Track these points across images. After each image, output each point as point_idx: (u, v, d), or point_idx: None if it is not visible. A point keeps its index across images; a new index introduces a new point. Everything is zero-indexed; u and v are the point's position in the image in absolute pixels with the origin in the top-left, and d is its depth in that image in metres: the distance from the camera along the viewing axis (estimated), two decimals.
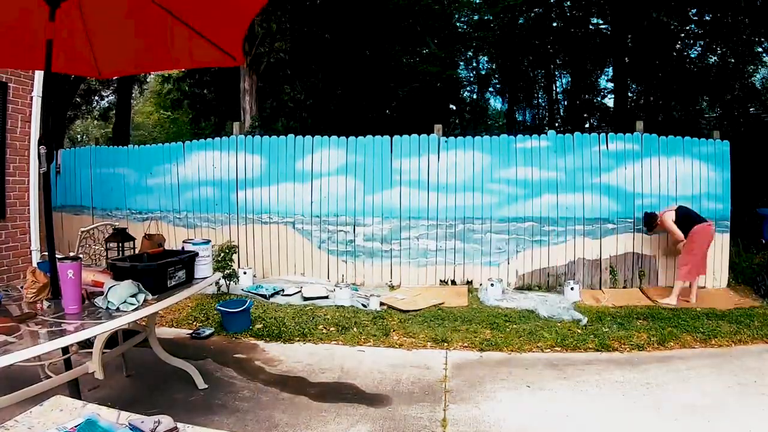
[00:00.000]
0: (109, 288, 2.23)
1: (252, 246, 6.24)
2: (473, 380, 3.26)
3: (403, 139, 6.02)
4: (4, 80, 4.62)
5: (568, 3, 12.12)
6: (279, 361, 3.61)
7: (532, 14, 11.86)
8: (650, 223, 5.38)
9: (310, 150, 6.14)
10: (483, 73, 14.61)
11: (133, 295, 2.25)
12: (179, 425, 1.20)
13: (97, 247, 4.06)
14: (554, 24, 12.42)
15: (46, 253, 2.33)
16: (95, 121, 21.80)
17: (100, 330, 2.04)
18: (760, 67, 11.68)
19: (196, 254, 2.84)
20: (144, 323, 2.98)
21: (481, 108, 14.78)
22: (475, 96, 15.03)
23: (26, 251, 4.92)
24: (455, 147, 5.97)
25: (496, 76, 14.71)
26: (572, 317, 4.46)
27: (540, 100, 15.62)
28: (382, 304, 5.00)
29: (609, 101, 14.22)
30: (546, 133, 6.10)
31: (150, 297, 2.35)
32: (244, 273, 5.66)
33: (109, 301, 2.19)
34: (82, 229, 4.07)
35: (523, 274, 5.88)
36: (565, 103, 14.90)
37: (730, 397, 2.93)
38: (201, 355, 3.66)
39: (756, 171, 8.04)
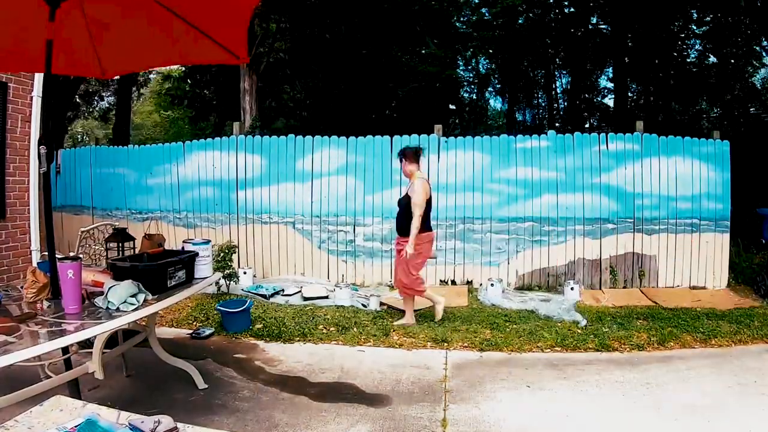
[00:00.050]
0: (109, 288, 2.23)
1: (252, 246, 6.24)
2: (473, 380, 3.26)
3: (403, 139, 6.02)
4: (4, 80, 4.62)
5: (567, 2, 12.12)
6: (279, 361, 3.61)
7: (532, 14, 11.86)
8: None
9: (310, 150, 6.14)
10: (483, 73, 14.61)
11: (133, 295, 2.25)
12: (179, 425, 1.20)
13: (97, 247, 4.06)
14: (554, 24, 12.42)
15: (46, 253, 2.33)
16: (95, 122, 21.81)
17: (100, 330, 2.04)
18: (760, 67, 11.67)
19: (196, 254, 2.84)
20: (144, 323, 2.98)
21: (481, 108, 14.78)
22: (474, 96, 15.03)
23: (26, 251, 4.92)
24: (455, 147, 5.97)
25: (496, 76, 14.72)
26: (572, 318, 4.46)
27: (540, 100, 15.63)
28: (382, 304, 5.00)
29: (609, 101, 14.25)
30: (546, 133, 6.10)
31: (150, 297, 2.35)
32: (244, 273, 5.66)
33: (109, 301, 2.19)
34: (82, 229, 4.07)
35: (523, 274, 5.88)
36: (565, 103, 14.90)
37: (730, 397, 2.93)
38: (201, 355, 3.65)
39: (756, 171, 8.05)
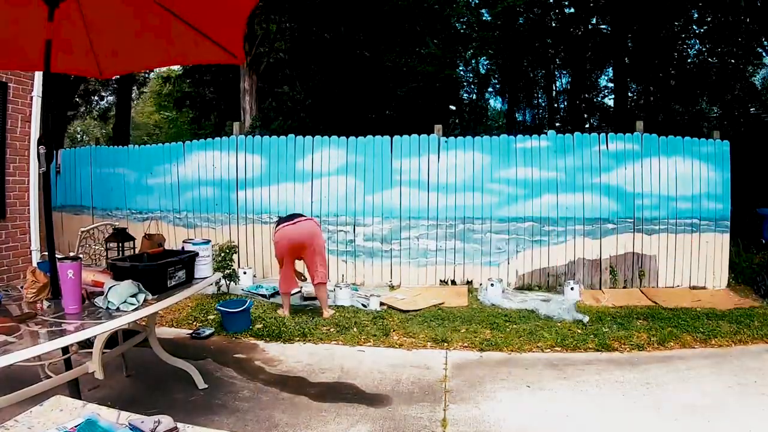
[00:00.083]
0: (110, 288, 2.23)
1: (252, 246, 6.24)
2: (473, 380, 3.26)
3: (403, 139, 6.02)
4: (4, 80, 4.62)
5: (567, 2, 12.12)
6: (279, 361, 3.61)
7: (532, 15, 11.86)
8: None
9: (310, 150, 6.14)
10: (483, 73, 14.61)
11: (133, 295, 2.25)
12: (179, 425, 1.20)
13: (97, 247, 4.06)
14: (554, 24, 12.42)
15: (46, 253, 2.33)
16: (95, 121, 21.81)
17: (100, 330, 2.04)
18: (760, 67, 11.68)
19: (196, 254, 2.84)
20: (144, 323, 2.98)
21: (481, 108, 14.78)
22: (474, 96, 15.03)
23: (26, 251, 4.92)
24: (455, 147, 5.97)
25: (496, 76, 14.72)
26: (573, 317, 4.46)
27: (540, 100, 15.63)
28: (382, 304, 5.00)
29: (609, 101, 14.24)
30: (546, 133, 6.10)
31: (150, 297, 2.35)
32: (244, 273, 5.66)
33: (109, 301, 2.19)
34: (82, 229, 4.07)
35: (523, 274, 5.88)
36: (565, 103, 14.90)
37: (730, 397, 2.93)
38: (201, 355, 3.65)
39: (756, 171, 8.05)
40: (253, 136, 6.68)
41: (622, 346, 3.85)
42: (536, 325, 4.29)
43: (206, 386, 3.05)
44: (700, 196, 5.70)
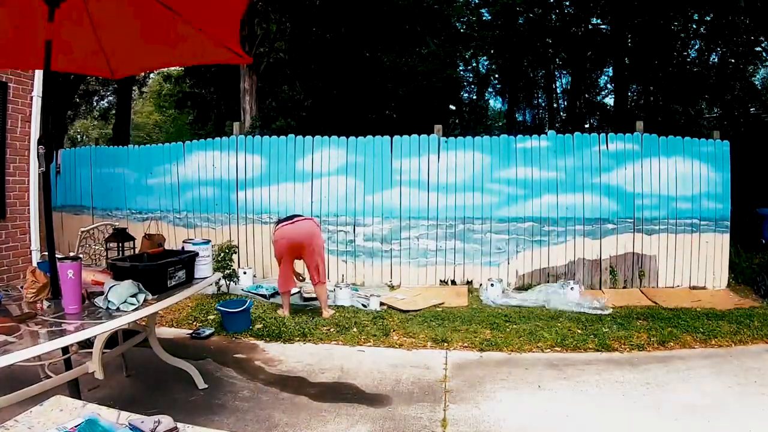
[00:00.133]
0: (110, 288, 2.23)
1: (252, 246, 6.24)
2: (473, 380, 3.26)
3: (403, 140, 6.02)
4: (4, 80, 4.62)
5: (567, 2, 12.11)
6: (279, 361, 3.61)
7: (532, 14, 11.85)
8: None
9: (310, 150, 6.14)
10: (483, 73, 14.61)
11: (134, 295, 2.25)
12: (179, 425, 1.20)
13: (97, 247, 4.06)
14: (554, 24, 12.42)
15: (46, 253, 2.33)
16: (95, 122, 21.82)
17: (100, 330, 2.04)
18: (760, 67, 11.68)
19: (196, 254, 2.84)
20: (144, 323, 2.98)
21: (481, 108, 14.77)
22: (474, 96, 15.02)
23: (26, 251, 4.92)
24: (455, 147, 5.97)
25: (496, 76, 14.71)
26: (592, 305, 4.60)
27: (540, 100, 15.62)
28: (382, 304, 5.00)
29: (609, 101, 14.24)
30: (546, 133, 6.10)
31: (150, 297, 2.35)
32: (244, 273, 5.66)
33: (109, 301, 2.19)
34: (82, 229, 4.07)
35: (523, 274, 5.88)
36: (565, 103, 14.90)
37: (730, 397, 2.93)
38: (201, 355, 3.65)
39: (756, 171, 8.05)
40: (253, 136, 6.68)
41: (622, 346, 3.85)
42: (536, 325, 4.29)
43: (206, 386, 3.05)
44: (700, 196, 5.70)
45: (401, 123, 8.67)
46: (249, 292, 5.32)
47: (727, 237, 5.71)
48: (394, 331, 4.21)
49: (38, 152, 2.18)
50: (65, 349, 2.52)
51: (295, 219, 4.59)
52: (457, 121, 13.96)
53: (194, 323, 4.39)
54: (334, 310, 4.72)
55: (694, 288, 5.64)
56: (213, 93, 14.33)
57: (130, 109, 17.61)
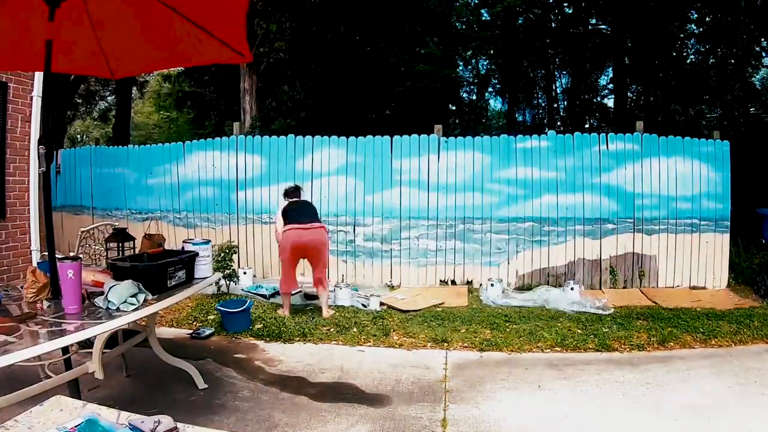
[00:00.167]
0: (110, 288, 2.23)
1: (252, 246, 6.24)
2: (473, 380, 3.26)
3: (403, 140, 6.03)
4: (4, 80, 4.62)
5: (567, 3, 12.12)
6: (279, 361, 3.61)
7: (532, 15, 11.86)
8: None
9: (310, 150, 6.14)
10: (483, 73, 14.61)
11: (134, 295, 2.25)
12: (179, 425, 1.20)
13: (97, 247, 4.06)
14: (554, 24, 12.42)
15: (46, 253, 2.33)
16: (95, 122, 21.81)
17: (100, 330, 2.04)
18: (760, 67, 11.67)
19: (196, 254, 2.84)
20: (144, 323, 2.98)
21: (481, 108, 14.78)
22: (474, 96, 15.02)
23: (26, 251, 4.92)
24: (455, 147, 5.97)
25: (496, 76, 14.71)
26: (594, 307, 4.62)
27: (540, 100, 15.61)
28: (382, 304, 5.00)
29: (609, 101, 14.24)
30: (546, 133, 6.11)
31: (150, 297, 2.35)
32: (244, 273, 5.66)
33: (109, 301, 2.19)
34: (82, 229, 4.07)
35: (523, 274, 5.88)
36: (565, 103, 14.89)
37: (730, 397, 2.93)
38: (201, 355, 3.65)
39: (756, 171, 8.05)
40: (253, 136, 6.68)
41: (622, 346, 3.85)
42: (536, 325, 4.29)
43: (206, 386, 3.05)
44: (700, 196, 5.70)
45: (401, 123, 8.66)
46: (249, 292, 5.32)
47: (727, 237, 5.71)
48: (394, 331, 4.21)
49: (38, 152, 2.18)
50: (65, 349, 2.52)
51: (309, 224, 4.52)
52: (457, 121, 13.96)
53: (194, 323, 4.39)
54: (334, 310, 4.72)
55: (694, 288, 5.64)
56: (213, 93, 14.33)
57: (130, 109, 17.60)
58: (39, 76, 4.87)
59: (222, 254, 5.13)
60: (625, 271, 5.78)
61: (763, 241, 6.59)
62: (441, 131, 6.02)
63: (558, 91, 15.15)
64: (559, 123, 13.91)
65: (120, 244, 2.99)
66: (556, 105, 15.22)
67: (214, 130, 12.79)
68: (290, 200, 4.78)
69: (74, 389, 2.48)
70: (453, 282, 5.93)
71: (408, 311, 4.78)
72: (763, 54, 10.83)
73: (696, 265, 5.70)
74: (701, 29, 11.17)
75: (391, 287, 5.89)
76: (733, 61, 11.04)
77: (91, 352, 2.47)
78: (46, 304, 2.22)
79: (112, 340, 2.76)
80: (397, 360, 3.64)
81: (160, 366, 3.05)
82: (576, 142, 5.84)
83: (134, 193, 6.78)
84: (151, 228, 6.35)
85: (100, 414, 1.23)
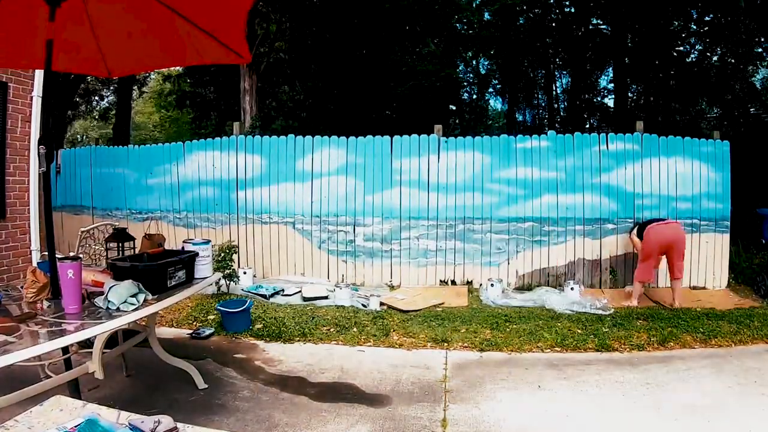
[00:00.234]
0: (110, 288, 2.23)
1: (252, 246, 6.24)
2: (473, 380, 3.26)
3: (403, 140, 6.03)
4: (4, 80, 4.62)
5: (567, 2, 12.12)
6: (279, 361, 3.61)
7: (532, 14, 11.86)
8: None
9: (310, 150, 6.14)
10: (483, 73, 14.61)
11: (134, 295, 2.25)
12: (179, 425, 1.20)
13: (97, 247, 4.06)
14: (554, 24, 12.42)
15: (46, 253, 2.33)
16: (95, 122, 21.81)
17: (100, 330, 2.04)
18: (760, 67, 11.67)
19: (196, 254, 2.84)
20: (144, 323, 2.98)
21: (481, 108, 14.78)
22: (474, 96, 15.03)
23: (26, 251, 4.92)
24: (455, 147, 5.97)
25: (496, 76, 14.72)
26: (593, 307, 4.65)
27: (540, 100, 15.62)
28: (382, 304, 5.00)
29: (609, 101, 14.24)
30: (546, 133, 6.10)
31: (150, 297, 2.35)
32: (244, 273, 5.66)
33: (109, 301, 2.19)
34: (82, 229, 4.07)
35: (523, 275, 5.88)
36: (565, 103, 14.90)
37: (730, 397, 2.93)
38: (201, 355, 3.66)
39: (756, 171, 8.04)
40: (253, 136, 6.68)
41: (622, 346, 3.85)
42: (536, 325, 4.29)
43: (206, 386, 3.05)
44: (700, 196, 5.69)
45: (401, 123, 8.67)
46: (249, 292, 5.32)
47: (727, 237, 5.70)
48: (394, 331, 4.21)
49: (38, 152, 2.18)
50: (65, 349, 2.52)
51: (667, 221, 5.17)
52: (457, 121, 13.96)
53: (194, 323, 4.39)
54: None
55: (694, 288, 5.64)
56: (213, 93, 14.34)
57: (130, 109, 17.62)
58: (39, 76, 4.87)
59: (222, 254, 5.13)
60: (625, 271, 5.78)
61: (763, 241, 6.59)
62: (441, 131, 6.02)
63: (558, 91, 15.16)
64: (559, 123, 13.91)
65: (120, 244, 2.99)
66: (556, 105, 15.22)
67: (214, 130, 12.79)
68: None
69: (74, 389, 2.48)
70: (453, 282, 5.93)
71: (408, 311, 4.78)
72: (764, 54, 10.82)
73: (696, 265, 5.70)
74: (701, 29, 11.17)
75: (391, 287, 5.89)
76: (733, 60, 11.03)
77: (91, 352, 2.47)
78: (46, 304, 2.22)
79: (112, 340, 2.76)
80: (397, 360, 3.64)
81: (160, 366, 3.05)
82: (576, 142, 5.84)
83: (134, 193, 6.78)
84: (151, 228, 6.35)
85: (100, 414, 1.23)
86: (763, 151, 8.53)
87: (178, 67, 14.44)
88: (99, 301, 2.25)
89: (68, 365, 2.63)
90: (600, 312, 4.62)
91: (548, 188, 5.81)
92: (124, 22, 2.52)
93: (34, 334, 1.89)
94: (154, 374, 3.19)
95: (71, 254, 3.19)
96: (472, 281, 5.89)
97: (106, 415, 1.24)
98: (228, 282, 5.31)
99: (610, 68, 13.41)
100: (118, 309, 2.18)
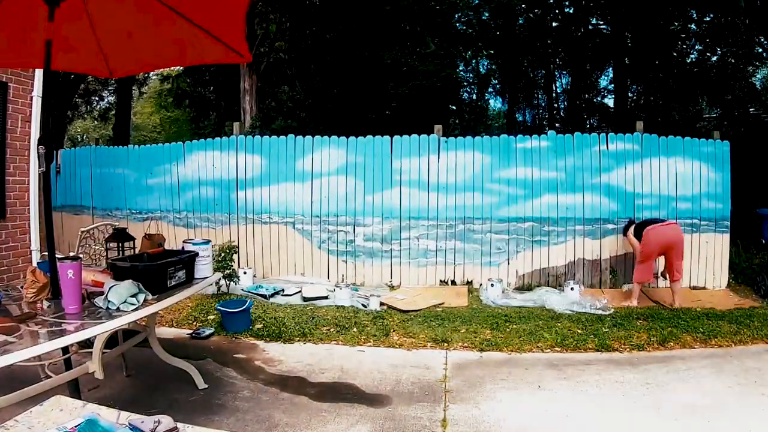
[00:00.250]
0: (110, 288, 2.23)
1: (252, 246, 6.24)
2: (473, 380, 3.26)
3: (403, 140, 6.03)
4: (4, 80, 4.62)
5: (567, 2, 12.12)
6: (279, 361, 3.61)
7: (532, 15, 11.86)
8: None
9: (310, 150, 6.14)
10: (483, 73, 14.61)
11: (134, 295, 2.25)
12: (179, 425, 1.20)
13: (97, 247, 4.06)
14: (554, 24, 12.42)
15: (46, 253, 2.33)
16: (95, 122, 21.81)
17: (100, 330, 2.04)
18: (760, 67, 11.67)
19: (196, 254, 2.84)
20: (144, 323, 2.98)
21: (481, 108, 14.77)
22: (474, 96, 15.02)
23: (26, 251, 4.92)
24: (455, 147, 5.97)
25: (496, 76, 14.71)
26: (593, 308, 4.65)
27: (540, 100, 15.62)
28: (382, 304, 5.00)
29: (609, 101, 14.24)
30: (546, 133, 6.10)
31: (150, 297, 2.35)
32: (244, 273, 5.66)
33: (109, 301, 2.19)
34: (82, 229, 4.07)
35: (523, 275, 5.88)
36: (565, 103, 14.90)
37: (730, 397, 2.93)
38: (201, 355, 3.66)
39: (756, 171, 8.04)
40: (253, 136, 6.68)
41: (622, 346, 3.85)
42: (536, 326, 4.29)
43: (206, 386, 3.05)
44: (700, 196, 5.69)
45: (401, 123, 8.65)
46: (249, 292, 5.32)
47: (727, 237, 5.70)
48: (394, 331, 4.21)
49: (38, 152, 2.18)
50: (65, 349, 2.52)
51: (666, 222, 5.09)
52: (457, 121, 13.95)
53: (194, 323, 4.39)
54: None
55: (694, 288, 5.64)
56: (213, 93, 14.34)
57: (130, 109, 17.62)
58: (39, 77, 4.87)
59: (222, 254, 5.13)
60: (625, 271, 5.78)
61: (763, 241, 6.59)
62: (441, 131, 6.02)
63: (558, 91, 15.16)
64: (559, 123, 13.91)
65: (120, 244, 2.99)
66: (556, 105, 15.22)
67: (214, 130, 12.79)
68: None
69: (74, 389, 2.48)
70: (453, 282, 5.93)
71: (408, 311, 4.78)
72: (764, 54, 10.82)
73: (696, 265, 5.70)
74: (701, 29, 11.17)
75: (391, 287, 5.89)
76: (733, 60, 11.03)
77: (91, 352, 2.47)
78: (46, 304, 2.22)
79: (112, 340, 2.76)
80: (397, 360, 3.64)
81: (160, 366, 3.05)
82: (576, 142, 5.84)
83: (134, 193, 6.78)
84: (151, 228, 6.35)
85: (100, 414, 1.23)
86: (763, 151, 8.53)
87: (177, 67, 14.47)
88: (99, 301, 2.25)
89: (68, 365, 2.63)
90: (600, 312, 4.62)
91: (548, 188, 5.81)
92: (124, 22, 2.53)
93: (34, 334, 1.89)
94: (154, 374, 3.19)
95: (71, 254, 3.19)
96: (472, 281, 5.89)
97: (106, 415, 1.24)
98: (228, 282, 5.31)
99: (610, 68, 13.41)
100: (118, 309, 2.18)
